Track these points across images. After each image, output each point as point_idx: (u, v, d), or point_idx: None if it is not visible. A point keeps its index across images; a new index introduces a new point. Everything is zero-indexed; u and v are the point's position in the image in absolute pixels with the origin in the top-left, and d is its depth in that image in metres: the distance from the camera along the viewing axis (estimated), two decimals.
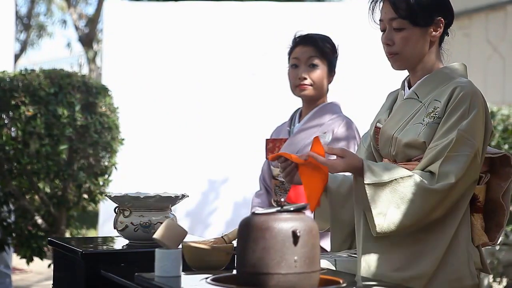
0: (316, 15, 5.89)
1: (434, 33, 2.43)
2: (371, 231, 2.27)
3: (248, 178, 5.24)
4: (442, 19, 2.43)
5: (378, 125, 2.54)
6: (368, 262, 2.27)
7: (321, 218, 2.54)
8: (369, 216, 2.26)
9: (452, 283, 2.30)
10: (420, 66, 2.46)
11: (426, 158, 2.31)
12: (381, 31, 2.47)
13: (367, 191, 2.23)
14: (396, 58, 2.44)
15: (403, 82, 2.55)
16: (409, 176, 2.25)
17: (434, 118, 2.34)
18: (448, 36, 2.50)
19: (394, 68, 2.49)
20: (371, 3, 2.50)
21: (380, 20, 2.47)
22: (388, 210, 2.22)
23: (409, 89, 2.49)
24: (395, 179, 2.24)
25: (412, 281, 2.25)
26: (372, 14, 2.49)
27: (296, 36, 3.40)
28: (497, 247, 5.22)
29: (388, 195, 2.23)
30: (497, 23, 9.77)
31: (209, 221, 5.72)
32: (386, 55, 2.47)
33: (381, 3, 2.46)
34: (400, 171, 2.26)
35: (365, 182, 2.24)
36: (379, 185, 2.23)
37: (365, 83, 5.69)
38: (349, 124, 3.33)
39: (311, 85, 3.34)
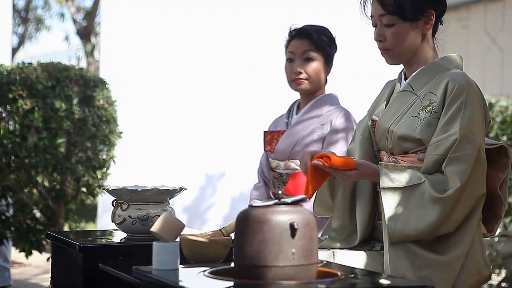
0: (316, 6, 5.87)
1: (425, 25, 2.42)
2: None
3: (245, 172, 5.23)
4: (433, 11, 2.41)
5: (374, 117, 2.54)
6: (395, 264, 2.26)
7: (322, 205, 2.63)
8: (383, 221, 2.27)
9: (473, 277, 2.30)
10: (414, 59, 2.45)
11: (429, 158, 2.31)
12: (373, 26, 2.47)
13: (381, 196, 2.25)
14: (389, 53, 2.44)
15: (400, 74, 2.54)
16: (423, 182, 2.25)
17: (431, 113, 2.34)
18: (442, 25, 2.49)
19: (388, 63, 2.49)
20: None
21: (371, 16, 2.46)
22: (401, 216, 2.23)
23: (405, 81, 2.49)
24: (410, 186, 2.26)
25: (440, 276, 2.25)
26: (364, 9, 2.49)
27: (292, 29, 3.38)
28: (496, 239, 5.22)
29: (402, 201, 2.25)
30: (496, 14, 9.76)
31: (206, 216, 5.72)
32: (380, 51, 2.46)
33: None
34: (414, 178, 2.27)
35: (380, 186, 2.26)
36: (394, 190, 2.25)
37: (364, 75, 5.68)
38: (347, 115, 3.33)
39: (306, 79, 3.33)
